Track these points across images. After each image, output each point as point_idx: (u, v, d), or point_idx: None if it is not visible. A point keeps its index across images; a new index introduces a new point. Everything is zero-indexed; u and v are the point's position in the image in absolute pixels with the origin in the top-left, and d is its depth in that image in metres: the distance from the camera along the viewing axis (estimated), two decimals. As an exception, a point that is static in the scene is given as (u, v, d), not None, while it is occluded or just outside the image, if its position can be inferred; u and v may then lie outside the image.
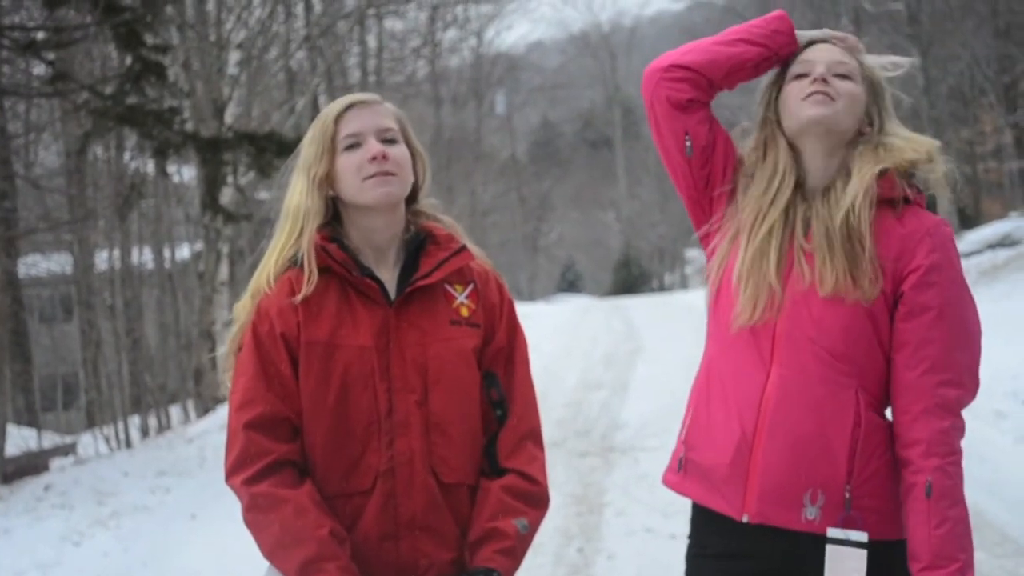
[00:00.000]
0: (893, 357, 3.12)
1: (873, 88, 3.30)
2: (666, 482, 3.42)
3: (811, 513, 3.09)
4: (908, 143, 3.23)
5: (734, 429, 3.18)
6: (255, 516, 3.12)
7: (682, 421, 3.40)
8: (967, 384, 3.10)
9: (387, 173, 3.21)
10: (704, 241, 3.42)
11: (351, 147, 3.23)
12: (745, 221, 3.29)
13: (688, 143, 3.35)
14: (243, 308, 3.26)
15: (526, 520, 3.22)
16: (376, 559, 3.15)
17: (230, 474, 3.15)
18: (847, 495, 3.07)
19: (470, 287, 3.35)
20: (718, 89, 3.40)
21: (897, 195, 3.18)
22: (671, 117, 3.37)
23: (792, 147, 3.29)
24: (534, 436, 3.35)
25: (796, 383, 3.12)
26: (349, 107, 3.27)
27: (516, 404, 3.33)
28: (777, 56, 3.36)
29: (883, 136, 3.25)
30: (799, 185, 3.28)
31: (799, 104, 3.24)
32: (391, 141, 3.26)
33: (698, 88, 3.35)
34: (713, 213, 3.40)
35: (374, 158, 3.20)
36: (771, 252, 3.22)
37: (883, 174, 3.18)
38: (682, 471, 3.34)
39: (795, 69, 3.30)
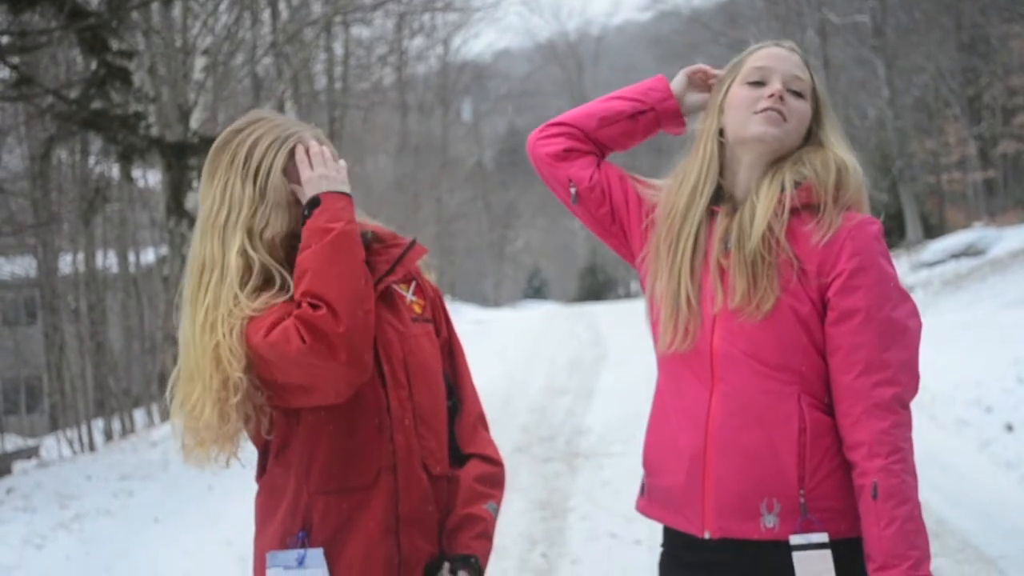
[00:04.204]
0: (829, 361, 3.13)
1: (818, 105, 3.32)
2: (637, 508, 3.47)
3: (770, 521, 3.11)
4: (823, 158, 3.24)
5: (684, 449, 3.22)
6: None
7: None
8: (903, 381, 3.08)
9: None
10: (641, 268, 3.45)
11: None
12: (661, 243, 3.34)
13: (572, 189, 3.47)
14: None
15: (494, 502, 3.34)
16: (378, 554, 3.18)
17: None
18: (802, 500, 3.09)
19: (413, 284, 3.42)
20: (599, 142, 3.51)
21: (815, 201, 3.18)
22: (553, 168, 3.50)
23: (723, 154, 3.34)
24: (483, 420, 3.48)
25: (738, 398, 3.15)
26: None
27: (465, 393, 3.45)
28: (655, 111, 3.47)
29: (803, 151, 3.27)
30: (727, 198, 3.31)
31: (749, 116, 3.25)
32: None
33: (573, 139, 3.50)
34: (644, 240, 3.43)
35: None
36: (684, 274, 3.26)
37: (798, 184, 3.20)
38: (646, 496, 3.41)
39: (749, 73, 3.31)
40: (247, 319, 3.05)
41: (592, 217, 3.51)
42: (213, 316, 3.10)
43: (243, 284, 3.09)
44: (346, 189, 3.15)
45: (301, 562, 3.16)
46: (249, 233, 3.13)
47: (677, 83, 3.51)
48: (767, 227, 3.16)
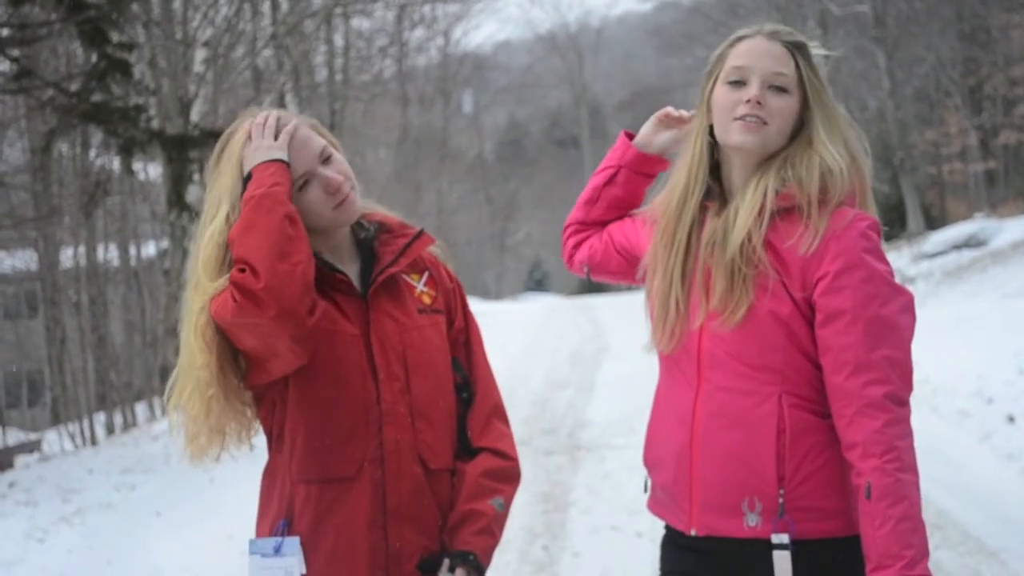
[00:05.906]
0: (821, 363, 3.14)
1: (806, 95, 3.25)
2: (647, 507, 3.50)
3: (752, 520, 3.15)
4: (808, 163, 3.19)
5: (673, 447, 3.27)
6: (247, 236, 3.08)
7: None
8: (894, 379, 3.07)
9: (349, 192, 3.26)
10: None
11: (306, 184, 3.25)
12: (659, 241, 3.36)
13: (585, 269, 3.71)
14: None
15: (502, 498, 3.33)
16: (364, 547, 3.18)
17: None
18: (780, 500, 3.11)
19: (426, 275, 3.44)
20: (598, 222, 3.71)
21: (796, 203, 3.16)
22: (572, 264, 3.79)
23: (716, 151, 3.33)
24: (499, 413, 3.46)
25: (721, 397, 3.18)
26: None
27: (479, 385, 3.44)
28: (622, 166, 3.62)
29: (791, 150, 3.23)
30: (719, 195, 3.30)
31: (729, 123, 3.23)
32: (330, 157, 3.29)
33: (576, 233, 3.76)
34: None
35: (340, 185, 3.25)
36: (675, 276, 3.29)
37: (778, 192, 3.17)
38: (651, 494, 3.45)
39: (728, 72, 3.26)
40: (210, 299, 3.10)
41: (615, 275, 3.70)
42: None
43: (213, 269, 3.15)
44: (277, 155, 3.17)
45: (277, 550, 3.19)
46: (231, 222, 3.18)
47: (645, 129, 3.61)
48: (746, 235, 3.16)
